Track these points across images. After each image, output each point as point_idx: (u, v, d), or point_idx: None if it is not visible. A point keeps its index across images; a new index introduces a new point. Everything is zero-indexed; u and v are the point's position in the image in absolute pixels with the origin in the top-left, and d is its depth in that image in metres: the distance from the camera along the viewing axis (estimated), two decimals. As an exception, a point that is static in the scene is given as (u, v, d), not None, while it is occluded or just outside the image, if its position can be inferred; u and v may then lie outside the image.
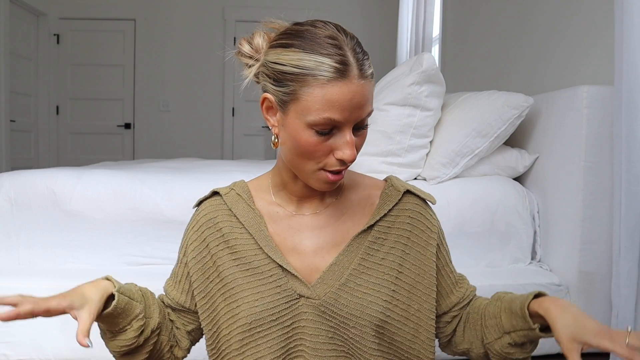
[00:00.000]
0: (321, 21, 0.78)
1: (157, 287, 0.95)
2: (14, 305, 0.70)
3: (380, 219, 0.86)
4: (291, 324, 0.83)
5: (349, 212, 0.88)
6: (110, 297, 0.80)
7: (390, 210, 0.87)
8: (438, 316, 0.91)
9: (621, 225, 1.33)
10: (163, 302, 0.92)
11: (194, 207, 0.94)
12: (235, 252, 0.86)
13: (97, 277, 0.83)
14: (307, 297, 0.82)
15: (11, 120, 4.42)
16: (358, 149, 0.79)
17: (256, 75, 0.83)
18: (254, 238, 0.85)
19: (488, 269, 1.69)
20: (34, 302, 0.71)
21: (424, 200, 0.90)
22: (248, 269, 0.84)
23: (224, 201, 0.90)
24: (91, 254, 1.57)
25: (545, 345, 1.55)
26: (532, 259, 1.76)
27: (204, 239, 0.88)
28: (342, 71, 0.72)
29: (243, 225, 0.87)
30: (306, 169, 0.79)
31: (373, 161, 1.76)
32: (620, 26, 1.31)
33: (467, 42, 3.16)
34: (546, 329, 0.78)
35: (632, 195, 1.31)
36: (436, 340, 0.90)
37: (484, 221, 1.69)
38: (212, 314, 0.87)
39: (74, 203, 1.55)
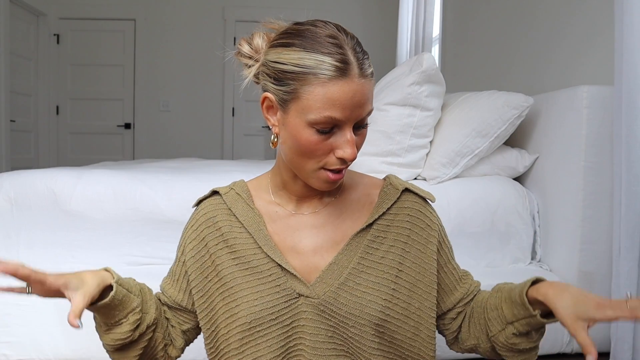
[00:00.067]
0: (321, 21, 0.78)
1: (157, 287, 0.95)
2: (13, 270, 0.71)
3: (379, 217, 0.86)
4: (290, 323, 0.83)
5: (348, 211, 0.88)
6: (108, 289, 0.80)
7: (389, 209, 0.87)
8: (443, 313, 0.91)
9: (621, 225, 1.33)
10: (159, 300, 0.92)
11: (193, 207, 0.94)
12: (235, 251, 0.86)
13: (97, 269, 0.83)
14: (307, 296, 0.82)
15: (11, 120, 4.42)
16: (358, 147, 0.79)
17: (256, 75, 0.83)
18: (253, 237, 0.86)
19: (488, 269, 1.69)
20: (31, 270, 0.72)
21: (423, 198, 0.90)
22: (247, 268, 0.84)
23: (224, 200, 0.90)
24: (91, 254, 1.56)
25: (545, 345, 1.55)
26: (532, 259, 1.76)
27: (203, 238, 0.88)
28: (342, 70, 0.73)
29: (242, 224, 0.87)
30: (306, 168, 0.79)
31: (373, 161, 1.76)
32: (620, 26, 1.31)
33: (467, 42, 3.16)
34: (549, 314, 0.79)
35: (632, 195, 1.31)
36: (436, 338, 0.90)
37: (484, 221, 1.69)
38: (210, 313, 0.87)
39: (74, 203, 1.55)
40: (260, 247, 0.85)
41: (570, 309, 0.72)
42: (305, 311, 0.82)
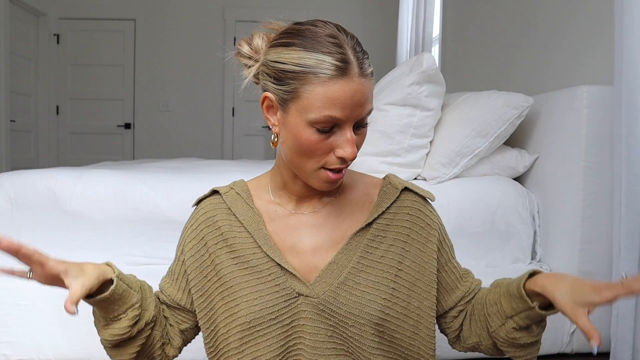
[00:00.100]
0: (321, 21, 0.79)
1: (156, 287, 0.95)
2: (16, 248, 0.71)
3: (379, 216, 0.86)
4: (290, 322, 0.83)
5: (347, 211, 0.88)
6: (108, 283, 0.80)
7: (388, 208, 0.87)
8: (445, 312, 0.91)
9: (621, 225, 1.33)
10: (158, 299, 0.92)
11: (193, 206, 0.94)
12: (234, 250, 0.86)
13: (100, 263, 0.83)
14: (306, 296, 0.82)
15: (11, 120, 4.42)
16: (358, 147, 0.80)
17: (255, 75, 0.84)
18: (252, 237, 0.86)
19: (488, 269, 1.69)
20: (34, 250, 0.72)
21: (423, 197, 0.90)
22: (247, 268, 0.84)
23: (224, 200, 0.90)
24: (91, 254, 1.56)
25: (545, 345, 1.55)
26: (532, 259, 1.76)
27: (203, 237, 0.88)
28: (343, 69, 0.73)
29: (242, 224, 0.87)
30: (307, 168, 0.79)
31: (373, 161, 1.76)
32: (620, 26, 1.31)
33: (467, 42, 3.16)
34: (548, 306, 0.79)
35: (632, 195, 1.31)
36: (436, 337, 0.90)
37: (484, 221, 1.69)
38: (209, 313, 0.87)
39: (74, 203, 1.55)
40: (259, 246, 0.85)
41: (568, 296, 0.73)
42: (304, 310, 0.82)
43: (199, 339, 0.94)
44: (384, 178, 0.92)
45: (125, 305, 0.82)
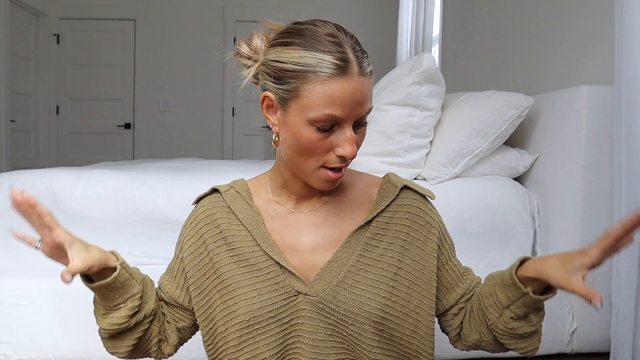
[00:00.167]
0: (320, 20, 0.79)
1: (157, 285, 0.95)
2: (33, 203, 0.74)
3: (378, 214, 0.86)
4: (289, 320, 0.83)
5: (347, 209, 0.88)
6: (111, 270, 0.81)
7: (388, 206, 0.87)
8: (446, 310, 0.92)
9: (621, 225, 1.33)
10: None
11: (193, 204, 0.94)
12: (233, 248, 0.86)
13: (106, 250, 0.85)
14: (305, 294, 0.82)
15: (11, 120, 4.42)
16: (358, 146, 0.80)
17: (255, 76, 0.84)
18: (252, 235, 0.86)
19: (488, 269, 1.68)
20: (48, 212, 0.74)
21: (423, 195, 0.90)
22: (246, 266, 0.85)
23: (223, 198, 0.90)
24: (91, 254, 1.56)
25: (545, 345, 1.55)
26: (532, 259, 1.76)
27: (201, 235, 0.89)
28: (342, 68, 0.73)
29: (241, 222, 0.87)
30: (307, 167, 0.79)
31: (373, 161, 1.76)
32: (620, 26, 1.31)
33: (467, 42, 3.16)
34: (543, 292, 0.80)
35: (632, 195, 1.31)
36: (436, 336, 0.90)
37: (484, 221, 1.69)
38: (207, 311, 0.87)
39: (74, 203, 1.55)
40: (259, 244, 0.85)
41: (559, 269, 0.74)
42: (304, 309, 0.83)
43: (199, 340, 0.94)
44: (383, 177, 0.92)
45: (126, 294, 0.83)
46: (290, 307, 0.83)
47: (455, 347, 0.96)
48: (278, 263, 0.84)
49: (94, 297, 0.85)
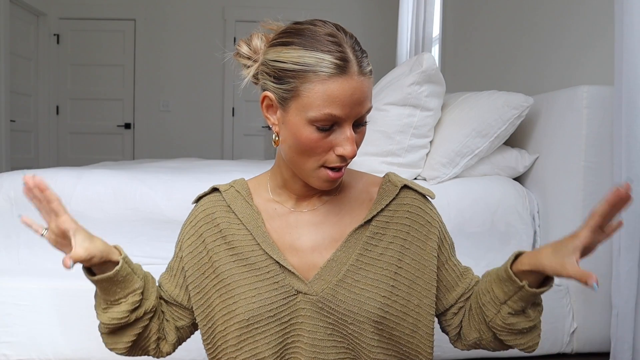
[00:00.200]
0: (320, 20, 0.79)
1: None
2: (44, 187, 0.77)
3: (378, 213, 0.86)
4: (289, 320, 0.83)
5: (346, 209, 0.88)
6: (113, 264, 0.83)
7: (388, 205, 0.87)
8: (445, 310, 0.92)
9: (621, 225, 1.33)
10: None
11: (193, 203, 0.94)
12: (233, 247, 0.86)
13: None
14: (305, 293, 0.82)
15: (11, 120, 4.42)
16: (358, 145, 0.80)
17: (255, 76, 0.84)
18: (251, 234, 0.86)
19: (488, 269, 1.69)
20: (57, 197, 0.77)
21: (423, 195, 0.90)
22: (245, 265, 0.85)
23: (223, 198, 0.90)
24: (91, 254, 1.56)
25: (545, 345, 1.55)
26: (532, 259, 1.76)
27: (201, 234, 0.89)
28: (342, 67, 0.74)
29: (241, 221, 0.87)
30: (306, 166, 0.79)
31: (373, 161, 1.76)
32: (620, 26, 1.31)
33: (467, 42, 3.16)
34: (541, 284, 0.81)
35: (632, 195, 1.31)
36: (436, 335, 0.90)
37: (484, 221, 1.69)
38: (206, 310, 0.87)
39: (74, 203, 1.55)
40: (258, 244, 0.85)
41: (553, 257, 0.75)
42: (303, 308, 0.83)
43: (198, 340, 0.94)
44: (383, 176, 0.92)
45: (127, 289, 0.84)
46: (289, 307, 0.83)
47: (455, 347, 0.96)
48: (277, 262, 0.84)
49: (95, 292, 0.86)
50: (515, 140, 1.89)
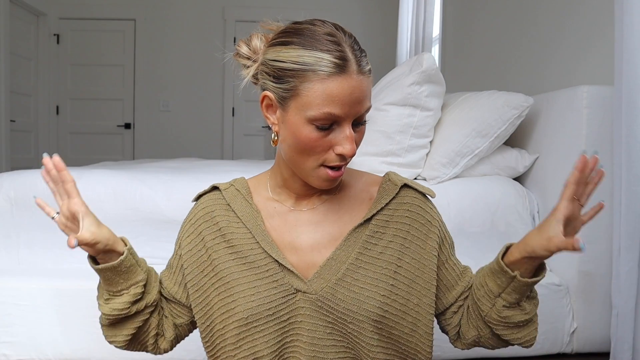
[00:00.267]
0: (319, 20, 0.80)
1: (156, 287, 0.95)
2: (62, 167, 0.80)
3: (378, 212, 0.86)
4: (288, 318, 0.83)
5: (346, 207, 0.88)
6: (118, 255, 0.85)
7: (388, 204, 0.87)
8: (445, 309, 0.92)
9: (621, 225, 1.33)
10: None
11: (193, 201, 0.95)
12: (232, 246, 0.86)
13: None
14: (304, 292, 0.82)
15: (11, 120, 4.42)
16: (357, 144, 0.80)
17: (254, 76, 0.84)
18: (251, 233, 0.86)
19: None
20: (72, 179, 0.81)
21: (423, 194, 0.90)
22: (244, 263, 0.85)
23: (223, 196, 0.90)
24: (91, 253, 1.56)
25: (545, 345, 1.55)
26: (532, 259, 1.76)
27: (200, 232, 0.89)
28: (341, 66, 0.74)
29: (240, 219, 0.87)
30: (306, 166, 0.80)
31: (373, 161, 1.76)
32: (620, 26, 1.31)
33: (467, 42, 3.16)
34: (534, 274, 0.84)
35: (632, 195, 1.31)
36: (435, 335, 0.90)
37: (483, 221, 1.69)
38: (205, 308, 0.87)
39: (73, 203, 1.55)
40: (257, 242, 0.85)
41: (539, 236, 0.79)
42: (302, 307, 0.82)
43: (198, 340, 0.94)
44: (383, 175, 0.92)
45: (130, 281, 0.85)
46: (289, 305, 0.83)
47: (455, 347, 0.96)
48: (277, 261, 0.84)
49: (99, 283, 0.87)
50: (515, 140, 1.89)
